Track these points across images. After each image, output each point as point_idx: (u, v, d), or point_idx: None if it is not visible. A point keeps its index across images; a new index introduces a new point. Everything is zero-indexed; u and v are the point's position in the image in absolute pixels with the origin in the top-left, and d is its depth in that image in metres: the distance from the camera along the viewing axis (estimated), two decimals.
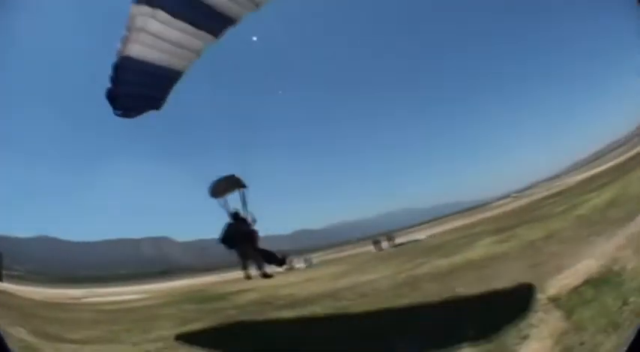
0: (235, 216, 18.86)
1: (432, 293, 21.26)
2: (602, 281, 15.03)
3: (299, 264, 65.54)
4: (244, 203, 18.87)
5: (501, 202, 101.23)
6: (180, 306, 31.40)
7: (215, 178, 19.40)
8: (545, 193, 76.51)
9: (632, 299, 12.64)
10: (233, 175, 18.90)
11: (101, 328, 24.47)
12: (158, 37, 15.57)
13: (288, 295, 28.66)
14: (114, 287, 68.94)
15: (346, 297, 24.26)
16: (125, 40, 15.21)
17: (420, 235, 69.04)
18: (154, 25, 15.02)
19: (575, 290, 15.31)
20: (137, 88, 17.03)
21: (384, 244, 69.13)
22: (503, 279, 20.12)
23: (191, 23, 15.66)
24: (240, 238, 18.78)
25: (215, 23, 16.00)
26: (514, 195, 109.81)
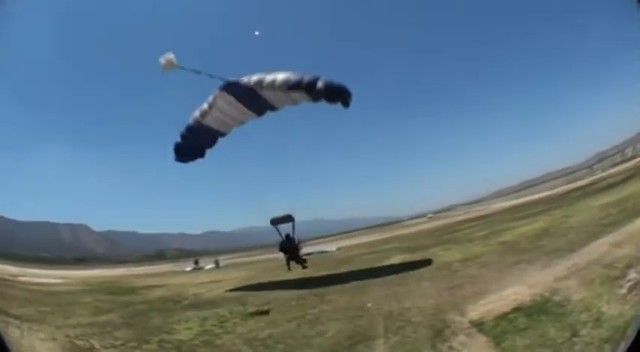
0: (288, 236, 30.37)
1: (341, 306, 20.54)
2: (538, 311, 14.14)
3: (208, 265, 66.64)
4: (293, 229, 30.15)
5: (416, 221, 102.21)
6: (96, 296, 32.99)
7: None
8: (465, 217, 77.68)
9: (584, 331, 11.60)
10: (289, 214, 29.85)
11: (32, 307, 26.07)
12: (223, 112, 26.57)
13: (194, 295, 30.29)
14: (40, 269, 71.24)
15: (252, 303, 23.90)
16: (203, 112, 26.49)
17: (330, 247, 67.76)
18: (224, 105, 26.18)
19: (504, 316, 14.39)
20: (196, 143, 28.04)
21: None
22: (418, 298, 19.34)
23: (247, 106, 26.48)
24: (291, 249, 30.76)
25: (263, 109, 26.92)
26: (430, 215, 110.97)
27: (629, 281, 14.50)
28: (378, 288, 23.13)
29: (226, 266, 64.62)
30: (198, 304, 25.93)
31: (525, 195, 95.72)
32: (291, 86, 23.97)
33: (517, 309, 14.71)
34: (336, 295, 22.90)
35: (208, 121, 26.77)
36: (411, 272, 25.70)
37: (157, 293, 32.75)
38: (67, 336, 18.56)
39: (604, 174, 77.33)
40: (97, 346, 17.52)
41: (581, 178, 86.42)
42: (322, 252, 61.75)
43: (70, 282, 47.44)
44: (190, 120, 26.98)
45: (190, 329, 19.33)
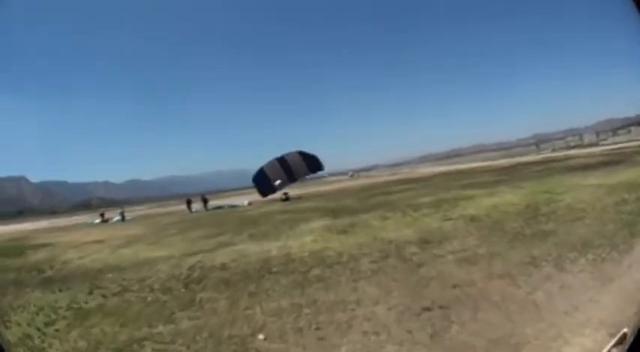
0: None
1: (213, 323, 11.53)
2: None
3: (115, 217, 60.42)
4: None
5: (337, 178, 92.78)
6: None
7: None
8: (392, 178, 68.89)
9: None
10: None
11: None
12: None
13: (64, 262, 24.00)
14: None
15: (106, 288, 16.96)
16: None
17: (242, 201, 59.00)
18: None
19: None
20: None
21: (197, 205, 59.19)
22: (361, 338, 9.68)
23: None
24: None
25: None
26: (351, 173, 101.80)
27: None
28: (282, 288, 13.51)
29: (132, 219, 57.86)
30: (54, 279, 19.84)
31: (457, 163, 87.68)
32: None
33: None
34: (214, 292, 14.12)
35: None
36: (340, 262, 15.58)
37: (37, 257, 27.11)
38: None
39: (558, 154, 71.13)
40: None
41: (524, 155, 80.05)
42: (232, 206, 56.20)
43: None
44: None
45: (19, 325, 13.80)
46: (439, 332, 8.95)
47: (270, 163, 54.16)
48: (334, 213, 28.56)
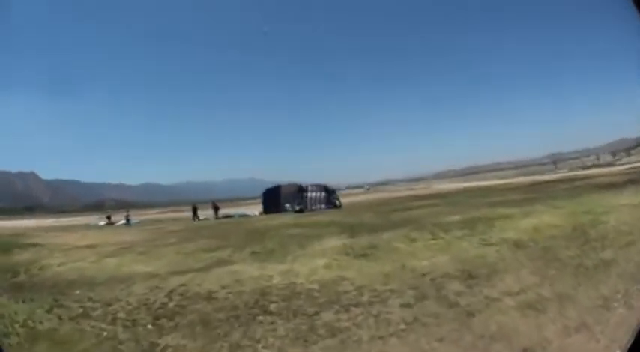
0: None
1: None
2: None
3: (120, 221, 59.61)
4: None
5: (353, 191, 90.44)
6: None
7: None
8: (409, 193, 66.32)
9: None
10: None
11: None
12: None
13: (42, 267, 21.08)
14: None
15: (68, 306, 13.75)
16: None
17: (253, 211, 58.02)
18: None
19: None
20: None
21: (208, 213, 58.09)
22: None
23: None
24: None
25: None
26: (368, 186, 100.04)
27: None
28: (278, 342, 9.61)
29: (138, 224, 56.51)
30: (23, 286, 17.42)
31: (473, 180, 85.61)
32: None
33: None
34: (186, 337, 10.15)
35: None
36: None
37: (21, 257, 24.88)
38: None
39: (577, 173, 71.71)
40: None
41: (541, 173, 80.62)
42: (243, 216, 54.27)
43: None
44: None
45: None
46: None
47: (290, 186, 56.75)
48: (352, 229, 24.78)
